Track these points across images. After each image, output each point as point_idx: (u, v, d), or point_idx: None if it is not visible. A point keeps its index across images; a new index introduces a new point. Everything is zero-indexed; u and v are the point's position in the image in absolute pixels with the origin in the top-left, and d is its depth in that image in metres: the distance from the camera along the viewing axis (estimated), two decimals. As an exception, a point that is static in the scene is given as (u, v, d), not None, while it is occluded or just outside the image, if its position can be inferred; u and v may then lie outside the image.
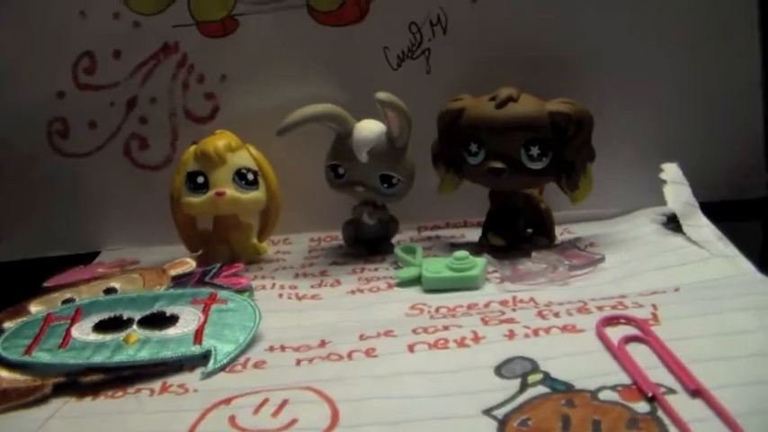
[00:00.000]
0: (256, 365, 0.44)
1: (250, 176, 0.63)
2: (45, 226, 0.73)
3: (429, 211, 0.71)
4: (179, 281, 0.57)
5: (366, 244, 0.65)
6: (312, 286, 0.58)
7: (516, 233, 0.61)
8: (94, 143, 0.72)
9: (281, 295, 0.57)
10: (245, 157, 0.64)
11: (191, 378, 0.43)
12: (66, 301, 0.54)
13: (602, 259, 0.55)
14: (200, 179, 0.62)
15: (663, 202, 0.62)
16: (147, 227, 0.72)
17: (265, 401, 0.39)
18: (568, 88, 0.61)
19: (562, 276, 0.53)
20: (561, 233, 0.64)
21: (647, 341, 0.41)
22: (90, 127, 0.72)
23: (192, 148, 0.64)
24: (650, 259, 0.55)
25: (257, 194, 0.63)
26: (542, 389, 0.38)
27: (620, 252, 0.57)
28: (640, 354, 0.40)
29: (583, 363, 0.40)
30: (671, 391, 0.36)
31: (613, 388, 0.37)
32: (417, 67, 0.69)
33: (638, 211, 0.66)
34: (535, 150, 0.57)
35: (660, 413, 0.34)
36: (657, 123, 0.68)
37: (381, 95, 0.58)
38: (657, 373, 0.38)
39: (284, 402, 0.39)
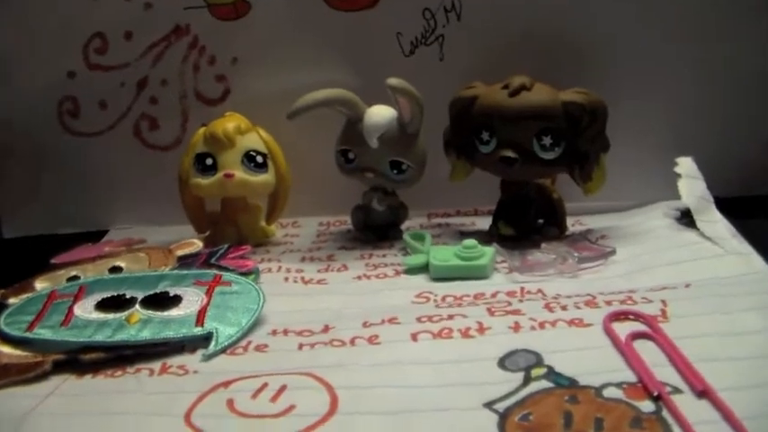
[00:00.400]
0: (258, 349, 0.44)
1: (259, 159, 0.63)
2: (55, 204, 0.73)
3: (440, 199, 0.70)
4: (185, 261, 0.57)
5: (375, 230, 0.65)
6: (319, 270, 0.58)
7: (527, 223, 0.61)
8: (105, 123, 0.72)
9: (286, 279, 0.57)
10: (254, 140, 0.63)
11: (191, 360, 0.43)
12: (71, 279, 0.54)
13: (613, 252, 0.54)
14: (209, 161, 0.62)
15: (677, 197, 0.61)
16: (156, 207, 0.71)
17: (264, 386, 0.39)
18: (583, 77, 0.60)
19: (571, 269, 0.53)
20: (573, 224, 0.63)
21: (654, 338, 0.40)
22: (100, 107, 0.71)
23: (202, 129, 0.64)
24: (662, 254, 0.54)
25: (266, 177, 0.63)
26: (545, 383, 0.37)
27: (631, 245, 0.56)
28: (647, 351, 0.39)
29: (588, 358, 0.39)
30: (677, 390, 0.35)
31: (618, 385, 0.36)
32: (430, 54, 0.68)
33: (651, 205, 0.65)
34: (548, 140, 0.56)
35: (665, 413, 0.34)
36: (672, 116, 0.67)
37: (392, 81, 0.57)
38: (664, 372, 0.37)
39: (283, 387, 0.39)
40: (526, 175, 0.59)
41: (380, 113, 0.61)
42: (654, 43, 0.66)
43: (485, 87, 0.59)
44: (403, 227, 0.66)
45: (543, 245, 0.56)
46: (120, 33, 0.69)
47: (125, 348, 0.44)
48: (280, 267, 0.59)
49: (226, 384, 0.40)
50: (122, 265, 0.57)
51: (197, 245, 0.60)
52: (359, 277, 0.56)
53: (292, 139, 0.66)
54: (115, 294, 0.48)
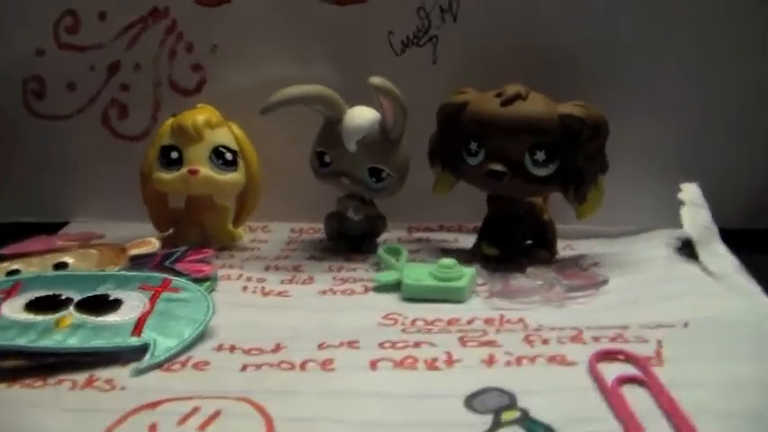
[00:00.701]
0: (196, 366, 0.39)
1: (228, 156, 0.58)
2: (12, 190, 0.69)
3: (422, 212, 0.65)
4: (137, 262, 0.52)
5: (349, 240, 0.60)
6: (282, 282, 0.53)
7: (513, 244, 0.56)
8: (72, 107, 0.67)
9: (245, 288, 0.52)
10: (225, 135, 0.58)
11: (121, 373, 0.38)
12: (11, 273, 0.50)
13: (606, 282, 0.50)
14: (175, 154, 0.57)
15: (677, 225, 0.57)
16: (121, 201, 0.66)
17: (195, 410, 0.34)
18: (582, 91, 0.55)
19: (558, 297, 0.48)
20: (563, 248, 0.59)
21: (646, 384, 0.35)
22: (68, 89, 0.67)
23: (170, 120, 0.59)
24: (659, 287, 0.49)
25: (234, 176, 0.58)
26: (518, 430, 0.32)
27: (626, 275, 0.52)
28: (638, 398, 0.34)
29: (569, 403, 0.34)
30: (669, 448, 0.31)
31: (601, 437, 0.31)
32: (423, 55, 0.64)
33: (650, 233, 0.60)
34: (541, 155, 0.52)
35: (653, 475, 0.29)
36: (676, 138, 0.62)
37: (376, 80, 0.52)
38: (655, 425, 0.32)
39: (216, 414, 0.34)
40: (515, 192, 0.54)
41: (362, 115, 0.56)
42: (659, 59, 0.61)
43: (477, 94, 0.55)
44: (380, 239, 0.61)
45: (529, 269, 0.51)
46: (94, 12, 0.65)
47: (49, 356, 0.39)
48: (240, 275, 0.54)
49: (153, 405, 0.35)
50: (69, 261, 0.52)
51: (153, 244, 0.55)
52: (323, 292, 0.51)
53: (268, 138, 0.61)
54: (50, 294, 0.43)
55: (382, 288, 0.51)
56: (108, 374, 0.38)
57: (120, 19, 0.65)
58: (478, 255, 0.56)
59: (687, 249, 0.55)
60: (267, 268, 0.56)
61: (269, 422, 0.33)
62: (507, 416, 0.33)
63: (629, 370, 0.37)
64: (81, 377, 0.38)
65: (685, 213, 0.55)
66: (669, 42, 0.61)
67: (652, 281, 0.50)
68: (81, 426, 0.33)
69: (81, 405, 0.35)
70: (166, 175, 0.57)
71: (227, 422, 0.33)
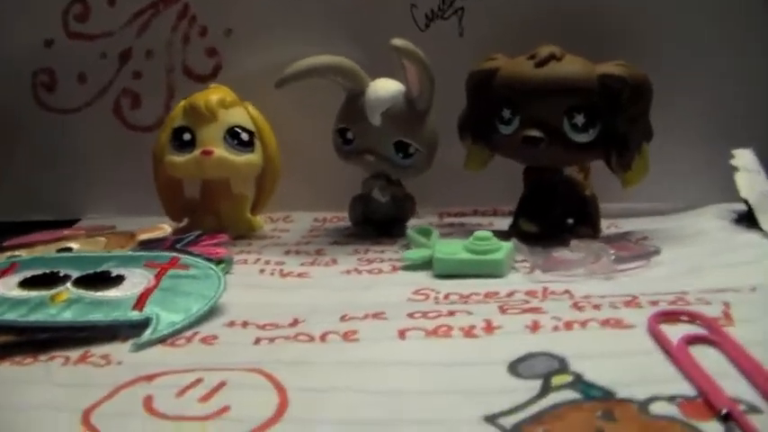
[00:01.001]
0: (204, 341, 0.35)
1: (244, 136, 0.54)
2: (22, 187, 0.66)
3: (453, 195, 0.61)
4: (147, 246, 0.48)
5: (376, 225, 0.56)
6: (302, 264, 0.49)
7: (553, 220, 0.51)
8: (82, 99, 0.64)
9: (262, 271, 0.48)
10: (240, 115, 0.55)
11: (120, 349, 0.34)
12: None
13: (658, 252, 0.45)
14: (187, 136, 0.54)
15: (730, 199, 0.52)
16: (135, 194, 0.63)
17: (197, 382, 0.30)
18: (621, 59, 0.51)
19: (606, 268, 0.43)
20: (607, 227, 0.54)
21: (717, 343, 0.30)
22: (79, 80, 0.64)
23: (183, 102, 0.56)
24: (718, 255, 0.44)
25: (251, 157, 0.55)
26: (571, 394, 0.28)
27: (679, 247, 0.47)
28: (709, 360, 0.29)
29: (629, 365, 0.30)
30: (753, 409, 0.26)
31: (671, 399, 0.27)
32: (448, 29, 0.60)
33: (701, 208, 0.55)
34: (580, 119, 0.47)
35: (739, 436, 0.24)
36: (725, 106, 0.58)
37: (398, 42, 0.48)
38: (733, 385, 0.27)
39: (220, 385, 0.29)
40: (553, 160, 0.50)
41: (386, 86, 0.52)
42: (705, 23, 0.57)
43: (508, 59, 0.51)
44: (409, 224, 0.57)
45: (573, 242, 0.46)
46: (104, -1, 0.62)
47: (40, 331, 0.35)
48: (258, 259, 0.50)
49: (150, 378, 0.30)
50: (75, 246, 0.48)
51: (164, 229, 0.51)
52: (348, 271, 0.47)
53: (288, 124, 0.58)
54: (47, 272, 0.40)
55: (412, 267, 0.46)
56: (104, 350, 0.34)
57: (129, 5, 0.62)
58: (516, 233, 0.51)
59: (744, 222, 0.50)
60: (287, 252, 0.52)
61: (282, 392, 0.29)
62: (558, 380, 0.29)
63: (696, 330, 0.32)
64: (75, 353, 0.34)
65: (740, 179, 0.50)
66: (720, 9, 0.57)
67: (709, 250, 0.45)
68: (70, 400, 0.29)
69: (72, 380, 0.31)
70: (179, 158, 0.54)
71: (234, 392, 0.29)
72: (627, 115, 0.48)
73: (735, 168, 0.51)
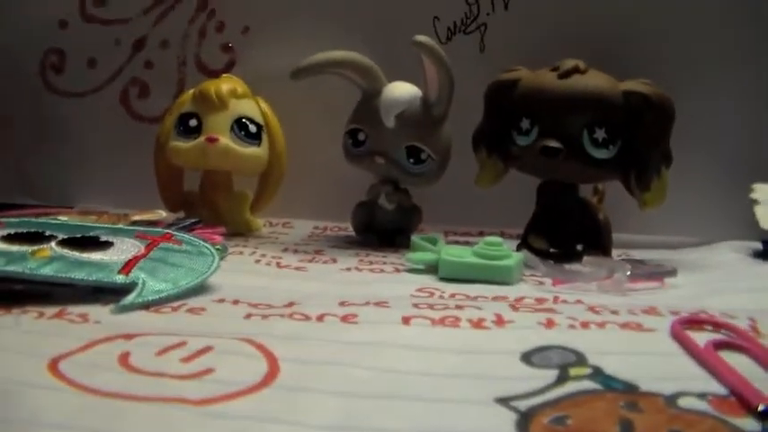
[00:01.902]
0: (191, 311, 0.32)
1: (252, 128, 0.53)
2: (19, 169, 0.64)
3: (461, 214, 0.59)
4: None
5: (379, 234, 0.54)
6: (300, 260, 0.46)
7: (563, 240, 0.49)
8: (91, 84, 0.63)
9: (258, 261, 0.45)
10: (250, 107, 0.53)
11: (99, 310, 0.32)
12: None
13: (674, 272, 0.42)
14: (194, 122, 0.52)
15: (746, 237, 0.50)
16: (132, 187, 0.61)
17: (180, 345, 0.27)
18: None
19: (619, 285, 0.40)
20: (618, 255, 0.51)
21: (747, 349, 0.28)
22: (89, 65, 0.63)
23: (192, 90, 0.54)
24: (738, 281, 0.42)
25: (257, 150, 0.53)
26: (591, 384, 0.25)
27: (697, 273, 0.44)
28: (739, 364, 0.27)
29: (653, 363, 0.27)
30: (791, 412, 0.23)
31: (701, 396, 0.24)
32: (470, 43, 0.59)
33: (716, 243, 0.53)
34: (601, 134, 0.46)
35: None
36: (747, 140, 0.56)
37: (420, 38, 0.47)
38: (766, 387, 0.25)
39: (206, 349, 0.27)
40: (570, 175, 0.48)
41: (403, 89, 0.51)
42: (730, 52, 0.56)
43: (529, 71, 0.50)
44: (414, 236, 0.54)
45: (586, 258, 0.44)
46: (125, -16, 0.62)
47: (17, 282, 0.32)
48: (254, 252, 0.48)
49: (127, 336, 0.28)
50: (64, 218, 0.46)
51: (159, 214, 0.49)
52: (348, 269, 0.44)
53: (296, 126, 0.56)
54: (33, 231, 0.37)
55: (416, 271, 0.44)
56: (83, 309, 0.31)
57: (149, -8, 0.62)
58: (526, 249, 0.49)
59: (760, 257, 0.48)
60: (285, 250, 0.50)
61: (272, 360, 0.26)
62: (576, 371, 0.26)
63: (723, 338, 0.29)
64: (51, 310, 0.31)
65: (760, 211, 0.48)
66: (744, 42, 0.56)
67: (728, 276, 0.43)
68: (37, 347, 0.27)
69: (44, 330, 0.29)
70: (183, 144, 0.52)
71: (220, 357, 0.26)
72: (648, 135, 0.46)
73: (755, 201, 0.49)
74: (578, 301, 0.37)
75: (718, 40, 0.56)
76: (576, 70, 0.47)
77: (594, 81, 0.47)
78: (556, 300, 0.37)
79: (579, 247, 0.50)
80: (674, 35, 0.56)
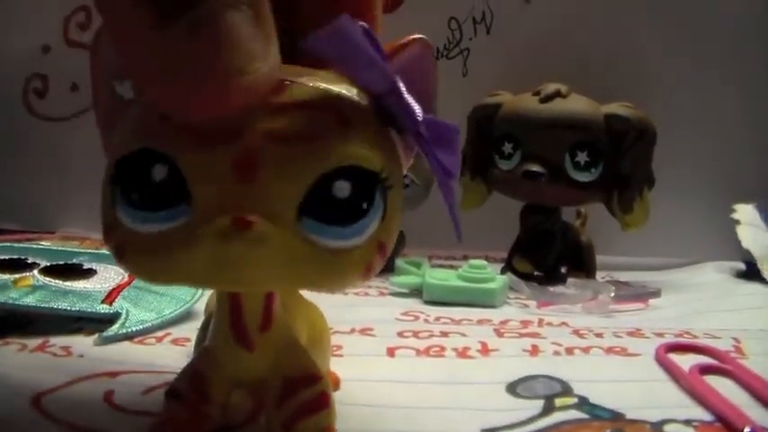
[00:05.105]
0: (176, 342, 0.32)
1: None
2: (1, 193, 0.63)
3: (445, 239, 0.58)
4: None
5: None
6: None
7: (547, 263, 0.49)
8: (73, 108, 0.63)
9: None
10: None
11: (82, 342, 0.31)
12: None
13: (658, 293, 0.43)
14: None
15: (729, 257, 0.50)
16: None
17: (166, 384, 0.27)
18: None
19: (604, 307, 0.41)
20: (603, 277, 0.52)
21: (732, 373, 0.28)
22: (72, 89, 0.63)
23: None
24: (722, 300, 0.42)
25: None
26: (577, 414, 0.25)
27: (681, 293, 0.45)
28: (724, 388, 0.27)
29: (638, 390, 0.27)
30: (776, 437, 0.23)
31: (686, 422, 0.24)
32: (453, 68, 0.60)
33: (700, 264, 0.54)
34: (583, 157, 0.46)
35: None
36: (728, 162, 0.57)
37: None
38: (752, 413, 0.25)
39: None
40: (553, 199, 0.48)
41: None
42: (707, 77, 0.57)
43: (512, 96, 0.50)
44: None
45: (570, 279, 0.44)
46: (107, 10, 0.62)
47: (-3, 312, 0.32)
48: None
49: (112, 374, 0.28)
50: (45, 243, 0.46)
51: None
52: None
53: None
54: (14, 257, 0.37)
55: (401, 294, 0.44)
56: (66, 342, 0.31)
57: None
58: (510, 272, 0.49)
59: (744, 277, 0.49)
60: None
61: (256, 398, 0.26)
62: (562, 402, 0.26)
63: (707, 361, 0.29)
64: (33, 342, 0.31)
65: (742, 231, 0.49)
66: (718, 56, 0.57)
67: (713, 296, 0.44)
68: (19, 383, 0.26)
69: (26, 365, 0.28)
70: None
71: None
72: (630, 157, 0.47)
73: (736, 222, 0.50)
74: (563, 324, 0.37)
75: (699, 62, 0.57)
76: (557, 94, 0.47)
77: (576, 105, 0.47)
78: (541, 322, 0.38)
79: (563, 270, 0.50)
80: (655, 58, 0.57)
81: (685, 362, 0.29)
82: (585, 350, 0.31)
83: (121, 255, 0.18)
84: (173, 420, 0.21)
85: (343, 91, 0.18)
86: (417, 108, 0.18)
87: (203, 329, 0.24)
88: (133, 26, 0.16)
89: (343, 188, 0.17)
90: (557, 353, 0.31)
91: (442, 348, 0.32)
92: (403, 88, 0.18)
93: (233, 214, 0.17)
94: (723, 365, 0.28)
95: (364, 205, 0.18)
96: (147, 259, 0.18)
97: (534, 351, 0.31)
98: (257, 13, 0.16)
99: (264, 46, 0.17)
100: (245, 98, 0.16)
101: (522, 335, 0.34)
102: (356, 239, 0.18)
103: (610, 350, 0.31)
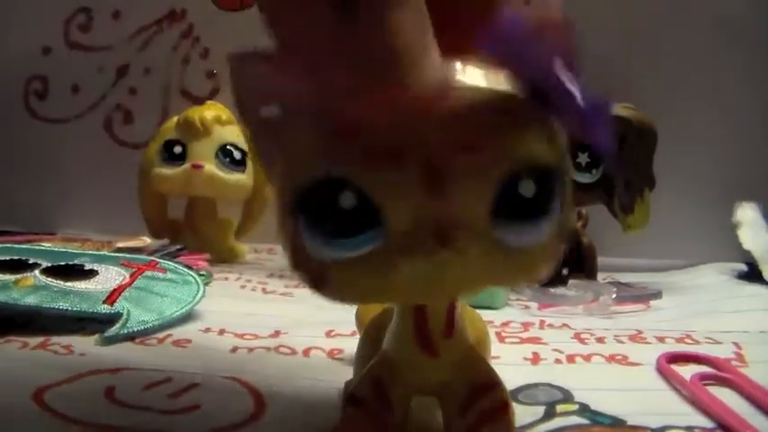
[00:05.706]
0: (177, 343, 0.32)
1: (237, 155, 0.53)
2: (2, 195, 0.64)
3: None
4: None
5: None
6: (286, 285, 0.46)
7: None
8: (74, 110, 0.63)
9: (243, 287, 0.45)
10: (234, 133, 0.53)
11: (83, 341, 0.31)
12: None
13: (659, 295, 0.43)
14: (178, 149, 0.52)
15: (731, 259, 0.50)
16: (115, 214, 0.61)
17: (167, 380, 0.27)
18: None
19: (605, 308, 0.41)
20: (604, 279, 0.52)
21: (733, 383, 0.28)
22: (72, 91, 0.63)
23: (176, 117, 0.54)
24: (724, 302, 0.42)
25: (241, 177, 0.53)
26: (578, 419, 0.25)
27: (682, 295, 0.45)
28: (725, 398, 0.27)
29: (639, 398, 0.27)
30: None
31: (688, 429, 0.24)
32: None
33: (701, 266, 0.53)
34: (584, 158, 0.46)
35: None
36: (730, 162, 0.57)
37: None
38: (753, 421, 0.25)
39: (192, 386, 0.27)
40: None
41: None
42: (708, 73, 0.57)
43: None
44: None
45: (571, 281, 0.44)
46: (109, 11, 0.62)
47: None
48: (239, 278, 0.48)
49: (113, 371, 0.28)
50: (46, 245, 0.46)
51: (144, 240, 0.49)
52: (335, 296, 0.44)
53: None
54: (15, 258, 0.37)
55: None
56: (67, 341, 0.31)
57: (134, 20, 0.62)
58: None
59: (745, 278, 0.48)
60: (270, 276, 0.49)
61: (257, 396, 0.26)
62: (563, 408, 0.26)
63: (708, 371, 0.29)
64: (34, 340, 0.31)
65: (743, 232, 0.49)
66: (720, 58, 0.57)
67: (714, 297, 0.43)
68: (20, 377, 0.26)
69: (27, 361, 0.28)
70: (167, 171, 0.52)
71: (206, 393, 0.26)
72: (631, 158, 0.47)
73: (738, 223, 0.50)
74: (564, 326, 0.37)
75: (699, 63, 0.57)
76: (558, 96, 0.47)
77: (577, 107, 0.47)
78: (542, 324, 0.38)
79: (564, 272, 0.50)
80: (655, 59, 0.57)
81: (686, 371, 0.29)
82: (587, 358, 0.31)
83: (322, 285, 0.18)
84: (353, 427, 0.21)
85: (507, 86, 0.17)
86: (577, 91, 0.17)
87: (363, 347, 0.24)
88: (314, 23, 0.16)
89: (528, 187, 0.17)
90: (558, 360, 0.31)
91: (443, 352, 0.32)
92: (564, 76, 0.17)
93: (430, 230, 0.17)
94: (724, 375, 0.28)
95: (549, 199, 0.18)
96: (352, 287, 0.18)
97: (535, 359, 0.31)
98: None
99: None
100: (426, 90, 0.16)
101: (523, 340, 0.34)
102: (544, 234, 0.18)
103: (611, 358, 0.31)
